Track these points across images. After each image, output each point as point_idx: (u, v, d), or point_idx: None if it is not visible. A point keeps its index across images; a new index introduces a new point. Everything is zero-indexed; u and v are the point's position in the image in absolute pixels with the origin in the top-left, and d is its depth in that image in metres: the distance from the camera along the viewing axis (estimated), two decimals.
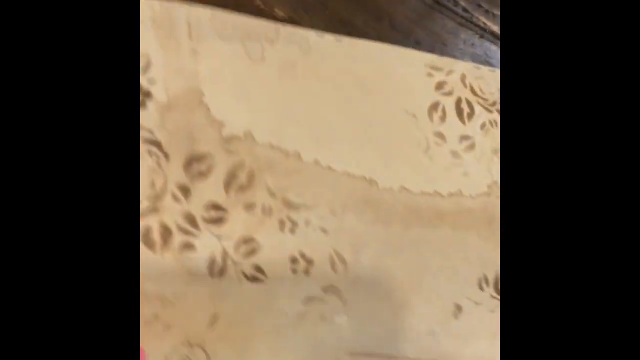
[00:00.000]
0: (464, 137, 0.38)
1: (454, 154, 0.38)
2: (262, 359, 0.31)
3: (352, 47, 0.37)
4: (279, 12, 0.37)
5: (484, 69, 0.41)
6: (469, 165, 0.38)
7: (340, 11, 0.39)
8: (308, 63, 0.35)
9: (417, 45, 0.41)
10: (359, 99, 0.36)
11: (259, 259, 0.31)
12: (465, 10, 0.44)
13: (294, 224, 0.32)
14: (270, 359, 0.31)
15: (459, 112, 0.39)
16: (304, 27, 0.37)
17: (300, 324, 0.32)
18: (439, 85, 0.39)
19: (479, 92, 0.40)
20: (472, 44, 0.43)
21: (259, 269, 0.31)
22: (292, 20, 0.37)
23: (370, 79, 0.37)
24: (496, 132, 0.39)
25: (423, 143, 0.37)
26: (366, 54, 0.37)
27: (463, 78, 0.40)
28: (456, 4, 0.43)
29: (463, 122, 0.38)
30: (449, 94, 0.39)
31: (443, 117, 0.38)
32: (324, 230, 0.33)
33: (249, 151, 0.32)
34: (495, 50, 0.44)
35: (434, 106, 0.38)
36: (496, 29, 0.44)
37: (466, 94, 0.39)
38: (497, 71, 0.41)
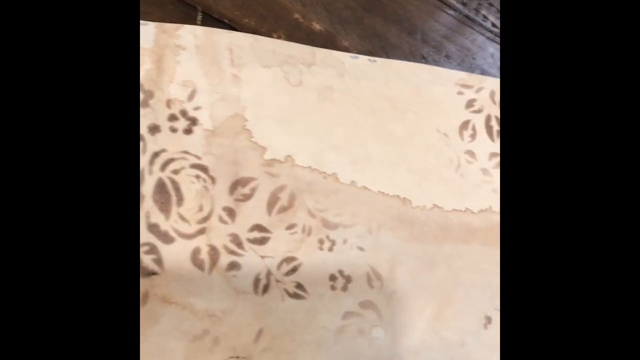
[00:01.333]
0: (494, 155, 0.39)
1: (484, 171, 0.39)
2: None
3: (385, 68, 0.38)
4: (317, 26, 0.38)
5: None
6: (498, 182, 0.39)
7: (376, 25, 0.40)
8: (344, 86, 0.37)
9: (448, 58, 0.42)
10: (393, 120, 0.37)
11: (300, 276, 0.33)
12: (494, 25, 0.45)
13: (333, 242, 0.34)
14: None
15: (489, 130, 0.40)
16: (340, 39, 0.38)
17: (339, 338, 0.33)
18: (469, 104, 0.40)
19: None
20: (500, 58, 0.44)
21: (300, 286, 0.33)
22: (328, 33, 0.38)
23: (404, 100, 0.38)
24: None
25: (455, 161, 0.38)
26: (399, 73, 0.38)
27: (492, 95, 0.41)
28: (485, 19, 0.44)
29: (492, 139, 0.40)
30: (479, 111, 0.40)
31: (473, 135, 0.39)
32: (361, 248, 0.34)
33: (289, 174, 0.34)
34: None
35: (465, 125, 0.39)
36: None
37: (495, 111, 0.40)
38: None
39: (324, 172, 0.35)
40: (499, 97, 0.41)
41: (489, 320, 0.37)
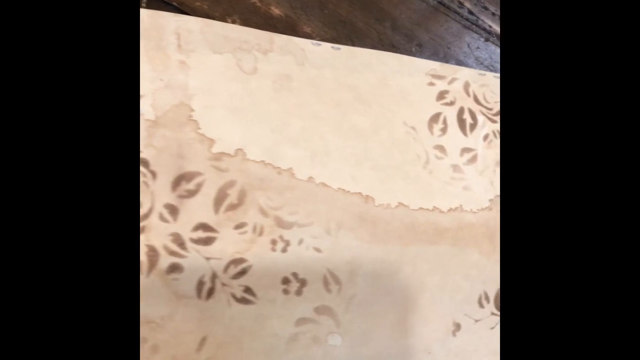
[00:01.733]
0: (466, 150, 0.37)
1: (455, 167, 0.36)
2: None
3: (350, 56, 0.36)
4: (276, 10, 0.36)
5: (489, 75, 0.40)
6: (471, 179, 0.36)
7: (340, 11, 0.38)
8: (304, 75, 0.34)
9: (420, 48, 0.39)
10: (356, 112, 0.34)
11: (249, 280, 0.30)
12: (470, 12, 0.42)
13: (287, 243, 0.31)
14: None
15: (461, 123, 0.37)
16: (302, 25, 0.36)
17: (292, 346, 0.31)
18: (441, 96, 0.37)
19: (482, 101, 0.38)
20: (477, 47, 0.42)
21: (248, 290, 0.30)
22: (289, 19, 0.36)
23: (369, 91, 0.35)
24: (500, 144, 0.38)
25: (422, 157, 0.35)
26: (365, 63, 0.36)
27: (466, 86, 0.38)
28: (461, 5, 0.42)
29: (465, 134, 0.37)
30: (451, 104, 0.37)
31: (444, 129, 0.37)
32: (318, 250, 0.32)
33: (240, 168, 0.31)
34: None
35: (435, 118, 0.36)
36: None
37: (469, 103, 0.38)
38: None
39: (279, 167, 0.32)
40: (475, 88, 0.38)
41: (457, 327, 0.35)
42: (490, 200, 0.37)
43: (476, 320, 0.35)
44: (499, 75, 0.40)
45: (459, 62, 0.41)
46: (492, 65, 0.42)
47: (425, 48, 0.40)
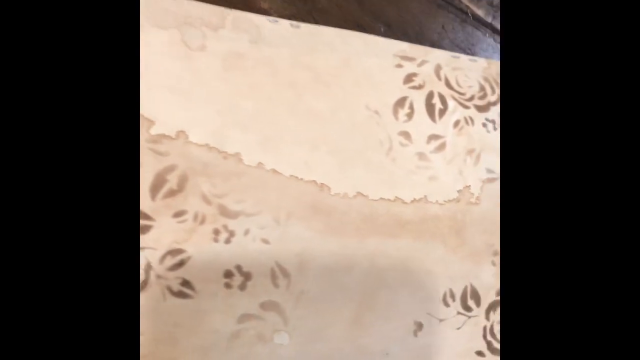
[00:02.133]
0: (433, 137, 0.34)
1: (421, 155, 0.34)
2: None
3: (311, 34, 0.33)
4: None
5: (464, 58, 0.37)
6: (437, 168, 0.34)
7: None
8: (258, 54, 0.32)
9: (388, 28, 0.37)
10: (313, 94, 0.32)
11: (188, 272, 0.28)
12: None
13: (231, 233, 0.29)
14: None
15: (430, 108, 0.35)
16: (258, 1, 0.33)
17: (234, 344, 0.29)
18: (409, 78, 0.35)
19: (455, 86, 0.36)
20: (453, 29, 0.39)
21: (186, 283, 0.28)
22: None
23: (329, 72, 0.33)
24: (472, 131, 0.35)
25: (386, 143, 0.33)
26: (327, 42, 0.33)
27: (438, 69, 0.36)
28: None
29: (433, 119, 0.35)
30: (420, 87, 0.35)
31: (410, 114, 0.34)
32: (266, 241, 0.30)
33: (181, 152, 0.29)
34: (479, 37, 0.40)
35: (401, 102, 0.34)
36: (481, 13, 0.40)
37: (440, 87, 0.35)
38: (480, 61, 0.37)
39: (225, 152, 0.30)
40: (447, 71, 0.36)
41: (419, 326, 0.33)
42: (459, 191, 0.34)
43: (440, 320, 0.33)
44: (475, 58, 0.37)
45: (432, 45, 0.38)
46: (468, 49, 0.39)
47: (393, 28, 0.37)
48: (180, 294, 0.28)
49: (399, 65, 0.35)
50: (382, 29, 0.36)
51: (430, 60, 0.36)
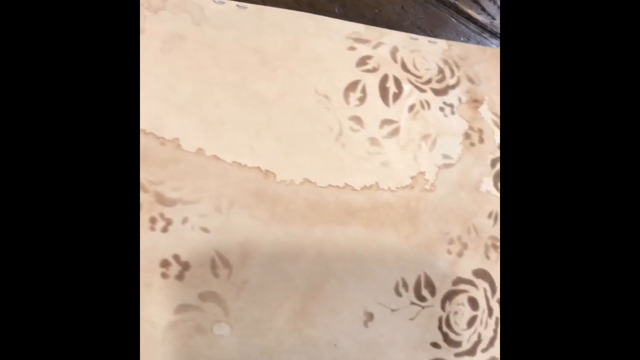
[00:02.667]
0: (386, 122, 0.33)
1: (373, 140, 0.33)
2: None
3: (258, 16, 0.32)
4: None
5: (422, 39, 0.36)
6: (390, 154, 0.33)
7: None
8: (200, 36, 0.30)
9: (342, 8, 0.36)
10: (259, 77, 0.31)
11: None
12: None
13: (168, 222, 0.28)
14: None
15: (383, 92, 0.33)
16: None
17: (170, 335, 0.28)
18: (362, 61, 0.33)
19: (411, 68, 0.34)
20: (413, 9, 0.38)
21: None
22: None
23: (276, 55, 0.32)
24: (428, 115, 0.34)
25: (335, 129, 0.32)
26: (274, 24, 0.32)
27: (394, 52, 0.34)
28: None
29: (387, 103, 0.33)
30: (373, 70, 0.33)
31: (362, 99, 0.33)
32: (205, 230, 0.29)
33: None
34: (442, 18, 0.38)
35: (352, 86, 0.33)
36: (461, 4, 0.38)
37: (395, 70, 0.34)
38: (440, 43, 0.36)
39: (162, 137, 0.29)
40: (404, 54, 0.35)
41: (370, 317, 0.32)
42: (412, 177, 0.33)
43: (392, 310, 0.32)
44: (435, 40, 0.36)
45: (391, 26, 0.37)
46: (430, 30, 0.38)
47: (349, 9, 0.36)
48: None
49: (352, 48, 0.34)
50: (336, 10, 0.35)
51: (386, 42, 0.34)
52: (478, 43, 0.39)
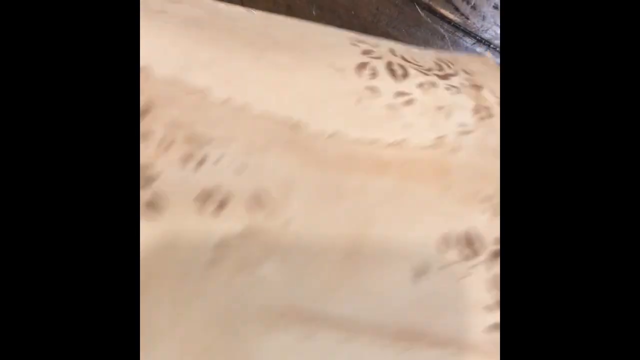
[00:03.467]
0: (400, 93, 0.34)
1: (391, 106, 0.33)
2: (160, 317, 0.23)
3: (265, 19, 0.35)
4: None
5: (415, 49, 0.39)
6: (411, 117, 0.33)
7: None
8: (218, 21, 0.32)
9: (319, 10, 0.38)
10: (274, 52, 0.32)
11: (153, 194, 0.25)
12: None
13: (201, 161, 0.26)
14: (173, 314, 0.23)
15: (391, 72, 0.35)
16: None
17: (210, 273, 0.24)
18: (366, 52, 0.36)
19: (412, 61, 0.37)
20: (388, 10, 0.41)
21: (152, 204, 0.24)
22: None
23: (287, 40, 0.34)
24: (439, 92, 0.36)
25: (354, 96, 0.33)
26: (274, 23, 0.35)
27: (392, 50, 0.37)
28: None
29: (396, 79, 0.35)
30: (378, 58, 0.36)
31: (374, 75, 0.34)
32: (241, 168, 0.27)
33: (142, 88, 0.27)
34: (417, 18, 0.42)
35: (362, 65, 0.35)
36: (435, 4, 0.43)
37: (398, 60, 0.36)
38: (429, 50, 0.39)
39: (192, 86, 0.28)
40: (402, 52, 0.37)
41: (422, 271, 0.29)
42: (435, 139, 0.33)
43: (441, 267, 0.29)
44: (424, 49, 0.39)
45: (367, 27, 0.39)
46: (405, 30, 0.41)
47: (326, 11, 0.38)
48: (145, 217, 0.24)
49: (354, 44, 0.36)
50: (314, 12, 0.38)
51: (382, 44, 0.37)
52: (453, 42, 0.43)
